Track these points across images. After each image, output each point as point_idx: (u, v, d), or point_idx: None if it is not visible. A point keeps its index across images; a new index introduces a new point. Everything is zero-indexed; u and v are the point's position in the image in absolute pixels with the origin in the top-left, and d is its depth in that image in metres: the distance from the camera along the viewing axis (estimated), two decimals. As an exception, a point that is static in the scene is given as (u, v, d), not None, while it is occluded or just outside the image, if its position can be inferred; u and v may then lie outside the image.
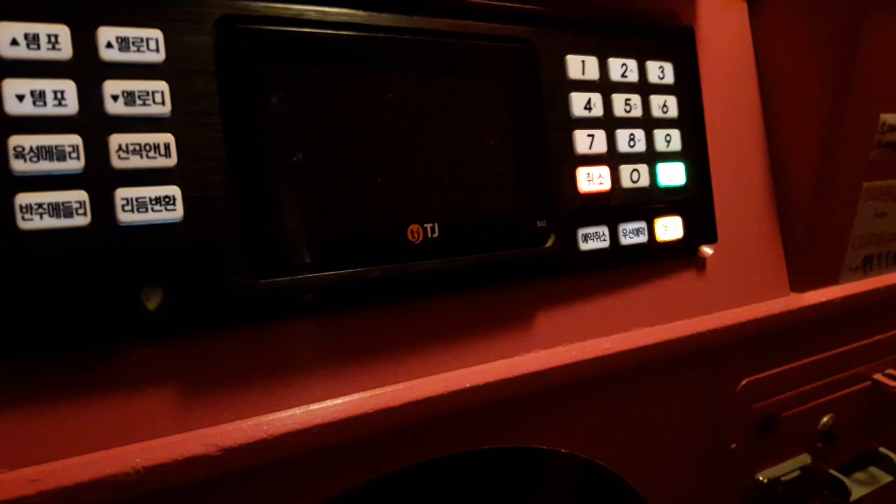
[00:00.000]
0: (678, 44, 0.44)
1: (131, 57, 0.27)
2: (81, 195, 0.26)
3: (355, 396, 0.33)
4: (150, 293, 0.27)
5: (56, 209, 0.25)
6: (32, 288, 0.26)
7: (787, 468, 0.58)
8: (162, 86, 0.27)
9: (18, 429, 0.26)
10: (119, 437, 0.28)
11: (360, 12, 0.32)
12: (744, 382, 0.52)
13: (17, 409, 0.26)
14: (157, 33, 0.27)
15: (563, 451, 0.43)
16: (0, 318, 0.25)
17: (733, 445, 0.53)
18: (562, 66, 0.38)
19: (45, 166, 0.25)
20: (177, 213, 0.28)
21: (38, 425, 0.27)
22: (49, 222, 0.25)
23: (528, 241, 0.37)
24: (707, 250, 0.47)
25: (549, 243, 0.38)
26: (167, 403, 0.29)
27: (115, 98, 0.27)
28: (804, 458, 0.59)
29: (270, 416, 0.31)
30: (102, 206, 0.26)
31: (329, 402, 0.33)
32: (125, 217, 0.27)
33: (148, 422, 0.29)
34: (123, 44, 0.27)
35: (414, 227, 0.34)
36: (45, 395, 0.27)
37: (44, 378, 0.27)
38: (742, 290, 0.49)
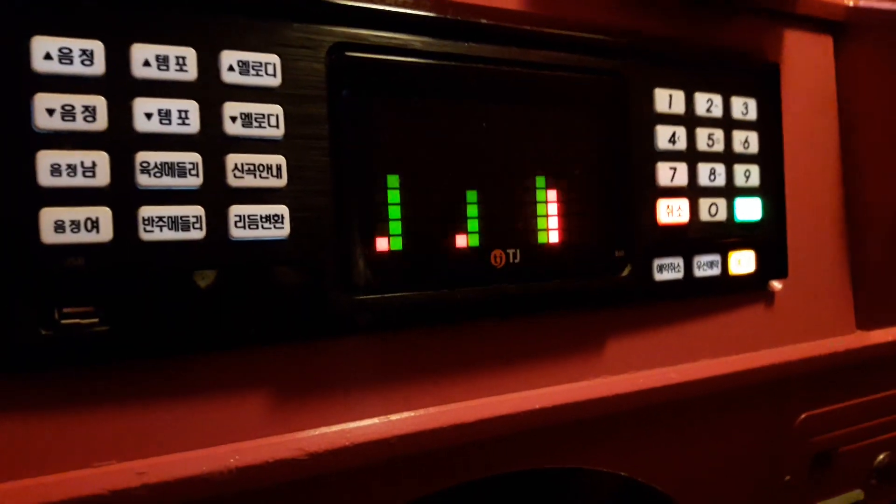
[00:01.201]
0: (763, 80, 0.42)
1: (250, 80, 0.27)
2: (198, 210, 0.26)
3: (432, 410, 0.33)
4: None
5: (175, 223, 0.26)
6: (149, 294, 0.26)
7: (840, 503, 0.55)
8: (277, 109, 0.28)
9: (124, 424, 0.27)
10: (215, 437, 0.29)
11: (461, 43, 0.32)
12: (803, 416, 0.50)
13: (122, 407, 0.27)
14: (274, 58, 0.28)
15: (622, 473, 0.42)
16: (118, 321, 0.25)
17: (788, 478, 0.51)
18: (649, 99, 0.37)
19: (168, 182, 0.26)
20: (284, 230, 0.28)
21: (144, 422, 0.27)
22: (168, 234, 0.26)
23: (605, 270, 0.36)
24: (777, 285, 0.45)
25: (626, 273, 0.37)
26: (261, 407, 0.30)
27: (233, 119, 0.27)
28: (857, 495, 0.56)
29: (353, 424, 0.31)
30: (216, 221, 0.27)
31: (407, 414, 0.32)
32: (237, 233, 0.27)
33: (243, 424, 0.29)
34: (244, 67, 0.27)
35: (497, 251, 0.33)
36: (150, 394, 0.27)
37: (148, 378, 0.27)
38: (809, 326, 0.47)
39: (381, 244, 0.30)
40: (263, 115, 0.27)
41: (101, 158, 0.25)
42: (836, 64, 0.48)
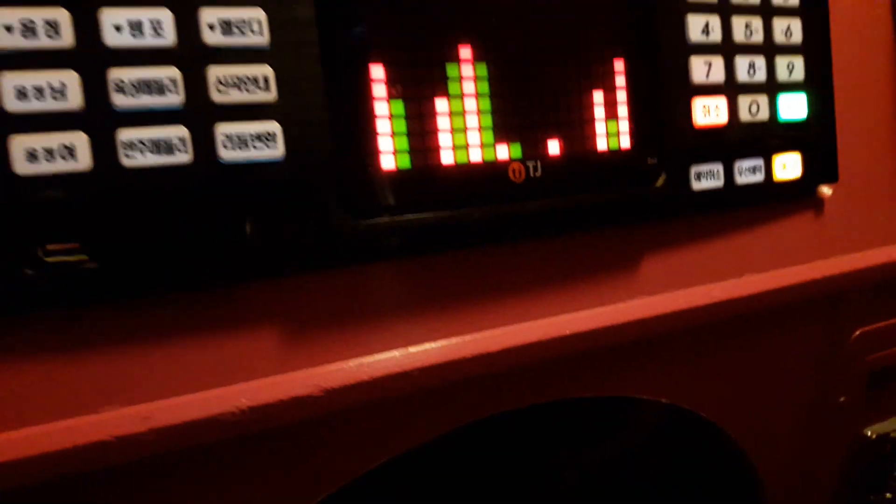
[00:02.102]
0: (806, -42, 0.37)
1: (227, -17, 0.25)
2: (182, 131, 0.24)
3: (454, 340, 0.31)
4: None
5: (157, 145, 0.24)
6: (138, 226, 0.24)
7: (898, 424, 0.52)
8: (259, 13, 0.25)
9: (128, 367, 0.26)
10: (224, 377, 0.27)
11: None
12: (858, 332, 0.47)
13: (126, 348, 0.26)
14: (252, -43, 0.25)
15: (663, 400, 0.40)
16: (107, 257, 0.24)
17: (842, 398, 0.49)
18: (678, -15, 0.33)
19: (146, 101, 0.24)
20: (278, 150, 0.25)
21: (146, 364, 0.26)
22: (152, 159, 0.24)
23: (637, 180, 0.33)
24: (827, 190, 0.42)
25: (660, 182, 0.34)
26: (269, 343, 0.28)
27: (211, 27, 0.24)
28: (916, 415, 0.53)
29: (371, 358, 0.29)
30: (203, 142, 0.24)
31: (428, 345, 0.31)
32: (227, 154, 0.25)
33: (251, 361, 0.28)
34: (219, -31, 0.24)
35: (515, 165, 0.31)
36: (151, 335, 0.26)
37: (150, 317, 0.26)
38: (863, 234, 0.44)
39: (386, 162, 0.28)
40: (244, 20, 0.25)
41: (71, 78, 0.23)
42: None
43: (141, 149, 0.24)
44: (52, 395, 0.24)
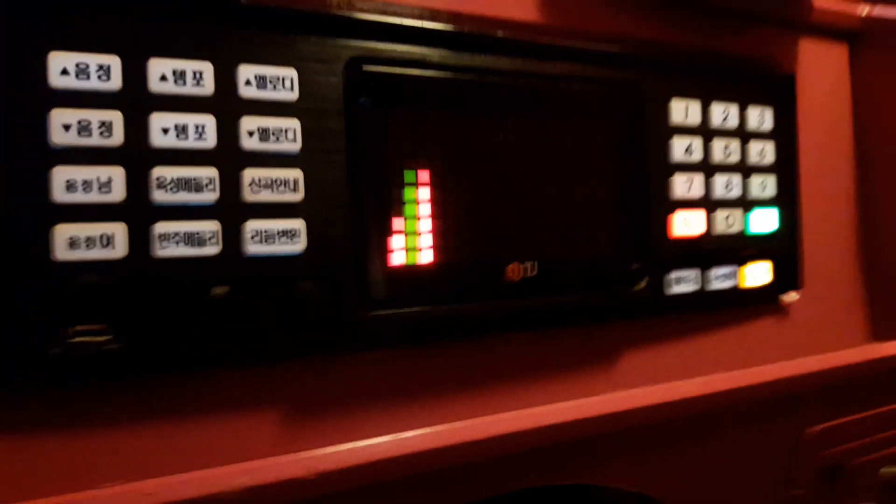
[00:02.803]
0: (779, 90, 0.42)
1: (267, 95, 0.27)
2: (214, 225, 0.26)
3: (444, 427, 0.33)
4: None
5: (190, 238, 0.26)
6: (161, 310, 0.26)
7: (852, 516, 0.54)
8: (294, 123, 0.27)
9: (132, 443, 0.26)
10: (226, 456, 0.28)
11: (478, 56, 0.32)
12: (815, 429, 0.50)
13: (132, 425, 0.26)
14: (292, 72, 0.27)
15: (634, 491, 0.41)
16: (129, 339, 0.25)
17: (798, 492, 0.51)
18: (665, 110, 0.37)
19: (183, 197, 0.26)
20: (300, 245, 0.27)
21: (151, 441, 0.27)
22: (183, 251, 0.26)
23: (620, 283, 0.36)
24: (791, 297, 0.45)
25: (641, 286, 0.36)
26: (271, 425, 0.29)
27: (250, 134, 0.27)
28: (869, 508, 0.56)
29: (364, 443, 0.31)
30: (232, 236, 0.26)
31: (419, 432, 0.32)
32: (252, 248, 0.27)
33: (253, 442, 0.29)
34: (261, 81, 0.27)
35: (513, 265, 0.33)
36: (158, 412, 0.27)
37: (158, 395, 0.27)
38: (823, 338, 0.47)
39: (398, 258, 0.30)
40: (281, 129, 0.27)
41: (117, 174, 0.25)
42: (852, 73, 0.48)
43: (175, 240, 0.25)
44: (62, 469, 0.25)
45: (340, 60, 0.28)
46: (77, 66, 0.24)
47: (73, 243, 0.24)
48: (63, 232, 0.24)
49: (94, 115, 0.24)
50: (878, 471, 0.55)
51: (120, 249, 0.25)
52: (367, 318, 0.29)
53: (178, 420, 0.27)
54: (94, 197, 0.24)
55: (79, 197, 0.24)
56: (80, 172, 0.24)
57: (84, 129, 0.24)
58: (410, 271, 0.30)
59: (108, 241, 0.24)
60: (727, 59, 0.41)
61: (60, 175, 0.24)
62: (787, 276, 0.43)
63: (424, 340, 0.32)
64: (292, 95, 0.27)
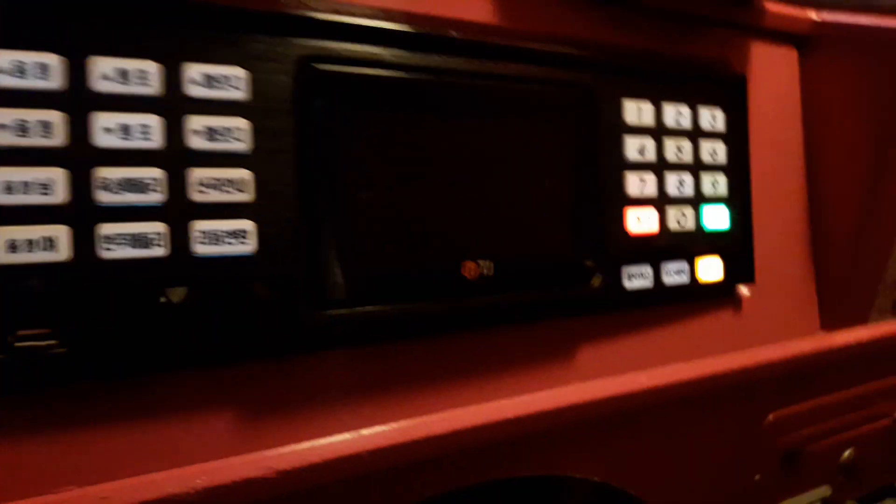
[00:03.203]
0: (730, 91, 0.42)
1: (216, 94, 0.26)
2: (161, 227, 0.25)
3: (403, 423, 0.32)
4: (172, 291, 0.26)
5: (136, 240, 0.25)
6: (108, 313, 0.25)
7: (808, 499, 0.56)
8: (243, 123, 0.27)
9: (86, 448, 0.26)
10: (182, 458, 0.28)
11: (432, 56, 0.31)
12: (771, 416, 0.51)
13: (84, 429, 0.26)
14: (241, 71, 0.27)
15: (595, 479, 0.42)
16: (76, 343, 0.24)
17: (757, 477, 0.52)
18: (618, 111, 0.37)
19: (128, 198, 0.25)
20: (251, 246, 0.27)
21: (105, 444, 0.26)
22: (129, 252, 0.25)
23: (575, 280, 0.36)
24: (744, 290, 0.45)
25: (596, 282, 0.37)
26: (226, 426, 0.29)
27: (197, 133, 0.26)
28: (825, 491, 0.57)
29: (323, 441, 0.30)
30: (180, 238, 0.26)
31: (378, 428, 0.32)
32: (201, 249, 0.26)
33: (208, 444, 0.28)
34: (208, 81, 0.26)
35: (469, 263, 0.33)
36: (110, 416, 0.26)
37: (109, 399, 0.26)
38: (775, 328, 0.48)
39: (352, 258, 0.30)
40: (229, 128, 0.26)
41: (59, 175, 0.24)
42: (801, 76, 0.48)
43: (120, 242, 0.25)
44: (12, 475, 0.24)
45: (291, 59, 0.28)
46: (15, 63, 0.23)
47: (13, 246, 0.23)
48: (2, 235, 0.23)
49: (34, 115, 0.23)
50: (834, 454, 0.56)
51: (63, 252, 0.24)
52: (322, 319, 0.29)
53: (133, 423, 0.27)
54: (35, 199, 0.24)
55: (19, 199, 0.23)
56: (19, 174, 0.23)
57: (23, 129, 0.23)
58: (366, 271, 0.30)
59: (50, 243, 0.24)
60: (679, 60, 0.41)
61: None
62: (740, 270, 0.44)
63: (381, 339, 0.32)
64: (242, 94, 0.27)
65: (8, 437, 0.24)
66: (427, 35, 0.32)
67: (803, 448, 0.54)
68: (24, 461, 0.24)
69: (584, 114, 0.36)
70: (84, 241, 0.24)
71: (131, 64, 0.25)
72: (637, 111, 0.37)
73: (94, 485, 0.25)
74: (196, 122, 0.26)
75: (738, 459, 0.50)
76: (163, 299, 0.26)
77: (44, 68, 0.24)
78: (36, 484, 0.25)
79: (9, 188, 0.23)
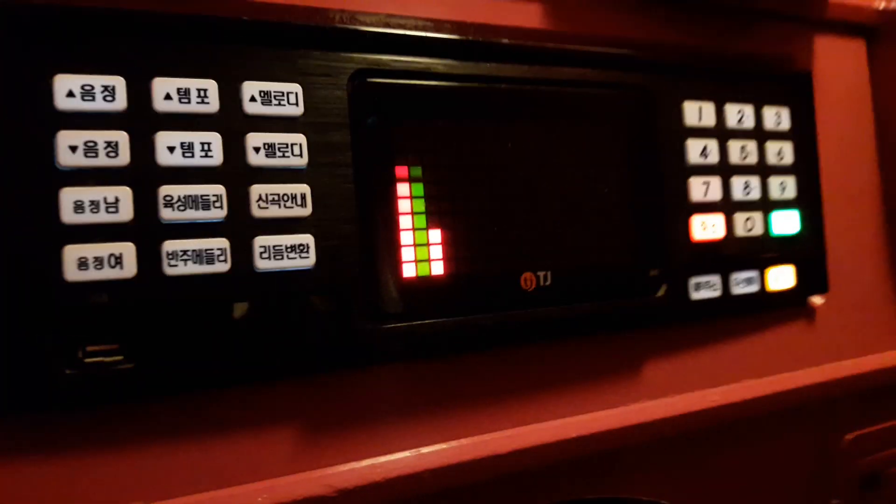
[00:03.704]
0: (795, 89, 0.40)
1: (273, 110, 0.26)
2: (223, 242, 0.25)
3: (464, 441, 0.31)
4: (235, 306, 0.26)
5: (199, 256, 0.25)
6: (174, 329, 0.25)
7: (892, 526, 0.52)
8: (300, 138, 0.27)
9: (149, 463, 0.26)
10: (244, 475, 0.27)
11: (484, 64, 0.31)
12: (850, 437, 0.47)
13: (148, 445, 0.26)
14: (296, 87, 0.27)
15: (662, 502, 0.39)
16: (143, 358, 0.25)
17: (834, 502, 0.48)
18: (679, 113, 0.36)
19: (191, 215, 0.25)
20: (310, 260, 0.27)
21: (168, 461, 0.26)
22: (192, 268, 0.25)
23: (639, 290, 0.35)
24: (818, 300, 0.43)
25: (661, 292, 0.35)
26: (287, 443, 0.28)
27: (257, 150, 0.26)
28: (910, 517, 0.52)
29: (383, 459, 0.30)
30: (241, 252, 0.26)
31: (439, 447, 0.31)
32: (262, 264, 0.26)
33: (270, 460, 0.28)
34: (265, 97, 0.26)
35: (527, 274, 0.32)
36: (173, 433, 0.26)
37: (172, 415, 0.26)
38: (852, 341, 0.45)
39: (409, 270, 0.29)
40: (287, 144, 0.26)
41: (124, 193, 0.24)
42: (870, 69, 0.46)
43: (184, 259, 0.25)
44: (79, 490, 0.24)
45: (345, 74, 0.28)
46: (82, 87, 0.24)
47: (82, 263, 0.23)
48: (72, 253, 0.23)
49: (100, 136, 0.24)
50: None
51: (129, 269, 0.24)
52: (380, 332, 0.28)
53: (194, 439, 0.27)
54: (102, 217, 0.24)
55: (87, 217, 0.24)
56: (87, 193, 0.24)
57: (90, 149, 0.24)
58: (422, 283, 0.29)
59: (117, 260, 0.24)
60: (740, 58, 0.40)
61: (68, 196, 0.23)
62: (812, 278, 0.41)
63: (439, 353, 0.31)
64: (297, 110, 0.27)
65: (76, 452, 0.24)
66: (478, 43, 0.31)
67: (884, 471, 0.50)
68: (91, 476, 0.25)
69: (643, 117, 0.35)
70: (149, 257, 0.24)
71: (192, 83, 0.25)
72: (698, 112, 0.36)
73: (158, 501, 0.25)
74: (255, 139, 0.26)
75: (813, 483, 0.47)
76: (226, 314, 0.26)
77: (109, 90, 0.24)
78: (101, 500, 0.25)
79: (78, 207, 0.24)
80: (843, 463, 0.48)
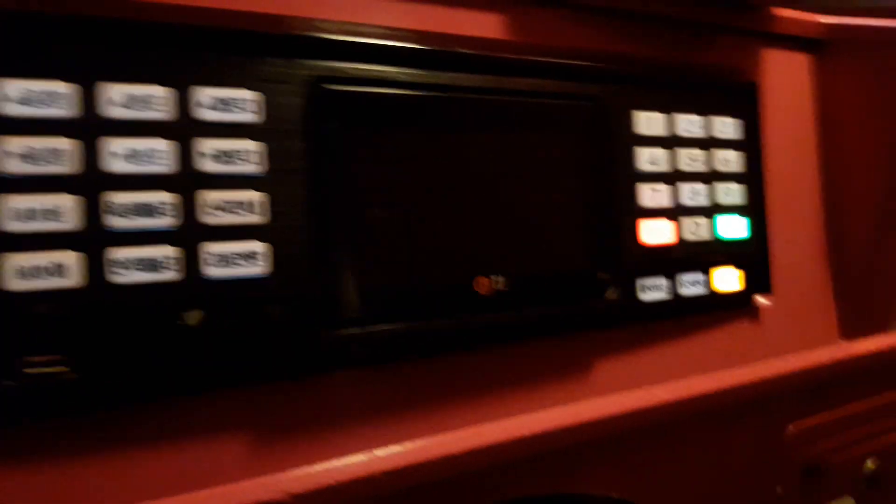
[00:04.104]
0: (742, 99, 0.41)
1: (227, 117, 0.26)
2: (172, 250, 0.25)
3: (418, 443, 0.32)
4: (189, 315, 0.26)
5: (147, 264, 0.25)
6: (119, 339, 0.25)
7: (831, 512, 0.54)
8: (255, 145, 0.26)
9: (99, 473, 0.25)
10: (195, 482, 0.27)
11: (442, 73, 0.31)
12: (791, 428, 0.49)
13: (97, 455, 0.25)
14: (252, 94, 0.26)
15: (614, 496, 0.40)
16: (87, 369, 0.24)
17: (779, 490, 0.50)
18: (630, 122, 0.36)
19: (139, 222, 0.25)
20: (264, 267, 0.26)
21: (118, 470, 0.26)
22: (140, 277, 0.25)
23: (591, 293, 0.35)
24: (762, 300, 0.44)
25: (611, 295, 0.36)
26: (239, 449, 0.28)
27: (209, 157, 0.26)
28: (848, 502, 0.55)
29: (337, 462, 0.30)
30: (192, 261, 0.25)
31: (393, 449, 0.31)
32: (214, 272, 0.26)
33: (221, 467, 0.28)
34: (220, 104, 0.26)
35: (481, 279, 0.32)
36: (123, 442, 0.26)
37: (121, 425, 0.26)
38: (795, 338, 0.47)
39: (365, 277, 0.29)
40: (241, 151, 0.26)
41: (70, 201, 0.24)
42: (816, 81, 0.47)
43: (131, 267, 0.24)
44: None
45: (302, 80, 0.27)
46: (28, 92, 0.23)
47: (24, 273, 0.23)
48: (13, 261, 0.23)
49: (43, 143, 0.23)
50: (856, 465, 0.55)
51: (74, 277, 0.24)
52: (336, 338, 0.28)
53: (146, 447, 0.26)
54: (45, 225, 0.23)
55: (30, 225, 0.23)
56: (30, 201, 0.23)
57: (35, 156, 0.23)
58: (378, 289, 0.29)
59: (60, 269, 0.23)
60: (691, 70, 0.41)
61: (10, 204, 0.23)
62: (757, 279, 0.43)
63: (396, 357, 0.31)
64: (253, 117, 0.27)
65: (21, 465, 0.24)
66: (437, 52, 0.31)
67: (825, 460, 0.52)
68: (37, 489, 0.24)
69: (595, 126, 0.35)
70: (96, 266, 0.24)
71: (140, 89, 0.25)
72: (648, 122, 0.37)
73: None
74: (207, 146, 0.26)
75: (759, 472, 0.49)
76: (179, 323, 0.25)
77: (53, 96, 0.23)
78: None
79: (20, 215, 0.23)
80: (787, 452, 0.50)
